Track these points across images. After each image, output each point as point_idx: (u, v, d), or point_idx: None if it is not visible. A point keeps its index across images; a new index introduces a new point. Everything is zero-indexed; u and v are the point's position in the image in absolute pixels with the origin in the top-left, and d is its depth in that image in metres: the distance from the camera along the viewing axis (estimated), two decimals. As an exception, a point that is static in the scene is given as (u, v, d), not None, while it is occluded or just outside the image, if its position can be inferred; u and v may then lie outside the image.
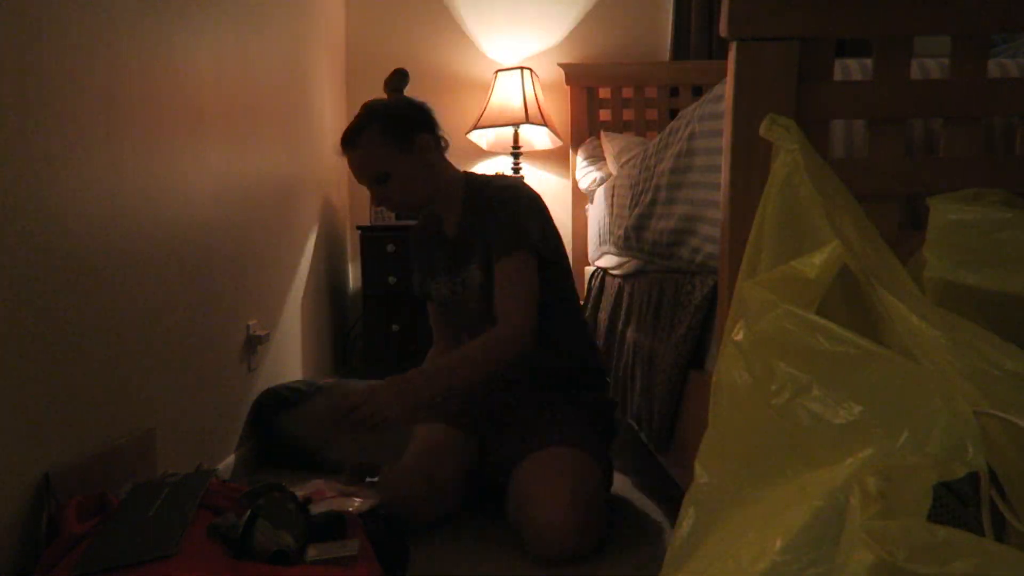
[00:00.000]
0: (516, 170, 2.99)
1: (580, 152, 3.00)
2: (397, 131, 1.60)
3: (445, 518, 1.55)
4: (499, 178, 1.73)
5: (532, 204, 1.63)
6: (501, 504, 1.52)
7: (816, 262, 0.76)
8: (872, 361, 0.65)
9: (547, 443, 1.48)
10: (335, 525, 1.17)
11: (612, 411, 1.76)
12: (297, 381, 2.18)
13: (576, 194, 3.08)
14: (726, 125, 0.97)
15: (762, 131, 0.87)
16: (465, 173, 1.73)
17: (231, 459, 1.81)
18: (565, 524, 1.34)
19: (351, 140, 1.61)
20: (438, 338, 1.85)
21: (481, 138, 3.10)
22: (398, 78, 1.76)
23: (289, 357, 2.30)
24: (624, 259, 2.09)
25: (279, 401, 2.03)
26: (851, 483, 0.58)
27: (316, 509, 1.19)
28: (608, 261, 2.31)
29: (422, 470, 1.53)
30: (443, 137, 1.69)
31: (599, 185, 2.69)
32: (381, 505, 1.28)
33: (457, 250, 1.70)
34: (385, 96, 1.74)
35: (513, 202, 1.60)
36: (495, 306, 1.56)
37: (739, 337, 0.75)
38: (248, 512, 1.08)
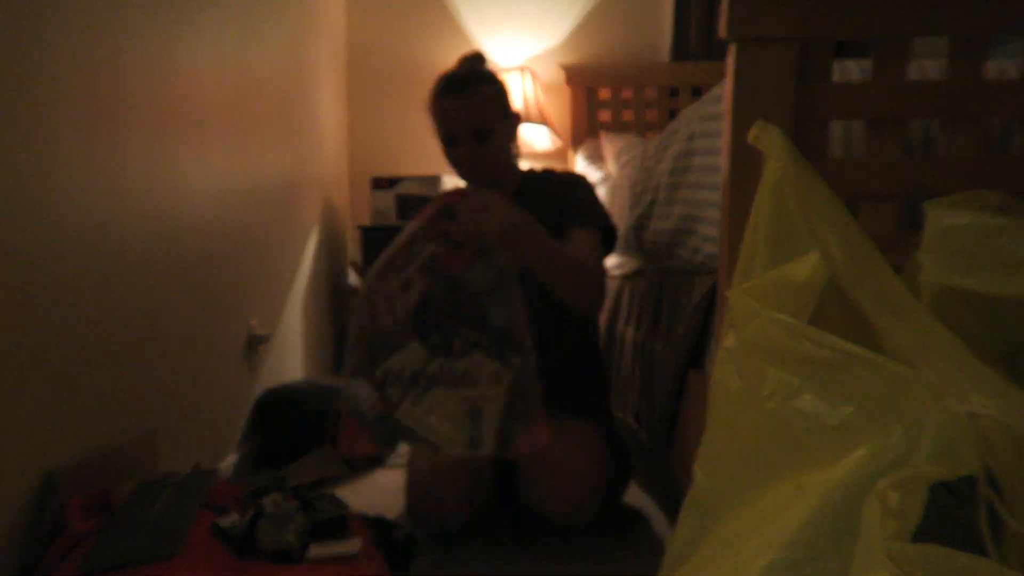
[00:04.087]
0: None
1: (580, 152, 3.00)
2: (505, 98, 1.60)
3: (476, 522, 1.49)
4: (559, 171, 1.71)
5: (592, 190, 1.63)
6: (502, 504, 1.52)
7: (804, 268, 0.77)
8: (859, 364, 0.66)
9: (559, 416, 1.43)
10: (337, 524, 1.17)
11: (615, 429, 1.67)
12: (297, 381, 2.19)
13: (576, 194, 3.08)
14: (725, 126, 0.98)
15: (750, 138, 0.87)
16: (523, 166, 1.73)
17: (232, 458, 1.81)
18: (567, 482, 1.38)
19: (465, 83, 1.55)
20: None
21: (481, 138, 3.09)
22: (474, 60, 1.69)
23: (290, 357, 2.30)
24: (624, 259, 2.09)
25: (280, 401, 2.03)
26: (858, 488, 0.58)
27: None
28: (608, 261, 2.32)
29: (453, 465, 1.44)
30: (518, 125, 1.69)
31: (599, 185, 2.69)
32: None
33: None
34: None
35: (588, 188, 1.61)
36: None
37: (729, 343, 0.77)
38: (251, 511, 1.08)
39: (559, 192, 1.60)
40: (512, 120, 1.61)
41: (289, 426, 1.99)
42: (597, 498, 1.43)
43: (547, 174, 1.68)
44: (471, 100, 1.53)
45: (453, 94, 1.55)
